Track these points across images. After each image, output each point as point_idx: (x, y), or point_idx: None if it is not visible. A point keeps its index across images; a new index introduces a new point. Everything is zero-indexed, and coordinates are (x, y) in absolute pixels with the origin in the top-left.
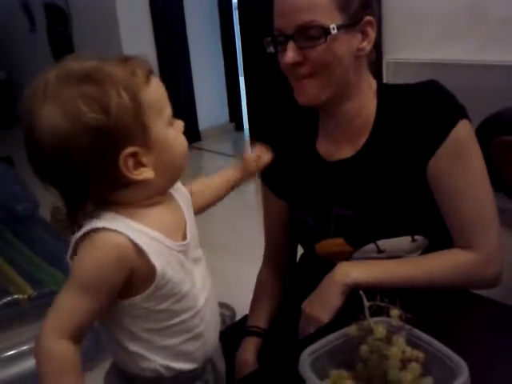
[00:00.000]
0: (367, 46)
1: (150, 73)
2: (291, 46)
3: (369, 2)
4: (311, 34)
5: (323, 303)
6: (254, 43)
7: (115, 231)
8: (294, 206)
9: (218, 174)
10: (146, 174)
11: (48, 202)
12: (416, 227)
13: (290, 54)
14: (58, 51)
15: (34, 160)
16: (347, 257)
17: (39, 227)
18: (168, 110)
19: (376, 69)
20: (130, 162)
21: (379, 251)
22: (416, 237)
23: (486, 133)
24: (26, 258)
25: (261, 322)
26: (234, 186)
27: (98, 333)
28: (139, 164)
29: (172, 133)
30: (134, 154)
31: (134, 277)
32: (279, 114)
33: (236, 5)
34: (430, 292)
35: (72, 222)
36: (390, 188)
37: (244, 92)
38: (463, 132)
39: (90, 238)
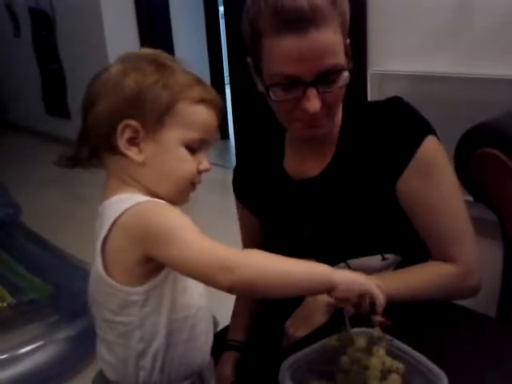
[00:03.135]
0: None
1: (205, 101)
2: (313, 93)
3: (348, 24)
4: (334, 77)
5: (307, 324)
6: (240, 52)
7: (155, 200)
8: (266, 226)
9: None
10: (134, 154)
11: (29, 208)
12: (386, 246)
13: (316, 103)
14: (42, 56)
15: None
16: None
17: (20, 234)
18: (195, 135)
19: (360, 80)
20: (127, 133)
21: (350, 269)
22: (386, 255)
23: (468, 144)
24: (5, 265)
25: (239, 335)
26: None
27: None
28: (135, 144)
29: (183, 153)
30: (135, 131)
31: None
32: (253, 131)
33: (222, 13)
34: (409, 303)
35: (78, 153)
36: (357, 207)
37: (230, 101)
38: (430, 148)
39: (136, 208)
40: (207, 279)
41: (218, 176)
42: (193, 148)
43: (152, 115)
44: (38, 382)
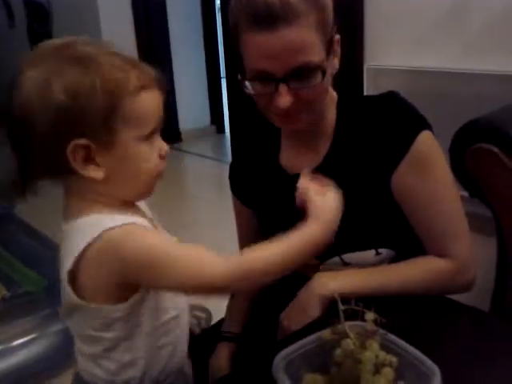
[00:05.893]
0: (337, 63)
1: (145, 87)
2: (284, 89)
3: (335, 19)
4: (307, 74)
5: (301, 316)
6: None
7: (124, 224)
8: (261, 219)
9: None
10: (94, 172)
11: (24, 201)
12: (380, 241)
13: (287, 99)
14: None
15: (4, 116)
16: (315, 269)
17: (15, 227)
18: (149, 127)
19: (356, 75)
20: (80, 153)
21: (344, 264)
22: (380, 250)
23: (463, 140)
24: (0, 258)
25: (235, 327)
26: None
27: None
28: (90, 160)
29: (144, 148)
30: (86, 147)
31: None
32: (249, 126)
33: (219, 7)
34: (403, 296)
35: (23, 186)
36: (352, 202)
37: (226, 94)
38: (425, 144)
39: (107, 239)
40: (210, 292)
41: (214, 170)
42: (149, 138)
43: (97, 125)
44: (32, 374)
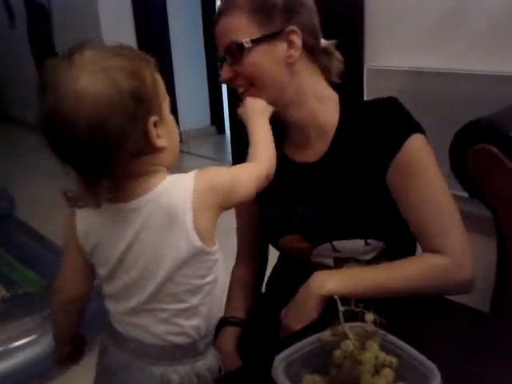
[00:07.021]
0: (295, 53)
1: (155, 65)
2: (224, 65)
3: (291, 13)
4: (234, 52)
5: (300, 315)
6: None
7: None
8: (262, 203)
9: None
10: (162, 142)
11: (25, 202)
12: (370, 232)
13: (223, 73)
14: (38, 48)
15: (64, 136)
16: (307, 253)
17: (15, 228)
18: (168, 99)
19: (357, 75)
20: (153, 130)
21: (335, 250)
22: (369, 240)
23: (463, 140)
24: (0, 259)
25: (238, 312)
26: None
27: None
28: (157, 134)
29: (172, 119)
30: (154, 124)
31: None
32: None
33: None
34: (404, 298)
35: (93, 197)
36: (348, 195)
37: (226, 95)
38: (414, 147)
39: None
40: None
41: None
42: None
43: (154, 101)
44: (32, 375)
